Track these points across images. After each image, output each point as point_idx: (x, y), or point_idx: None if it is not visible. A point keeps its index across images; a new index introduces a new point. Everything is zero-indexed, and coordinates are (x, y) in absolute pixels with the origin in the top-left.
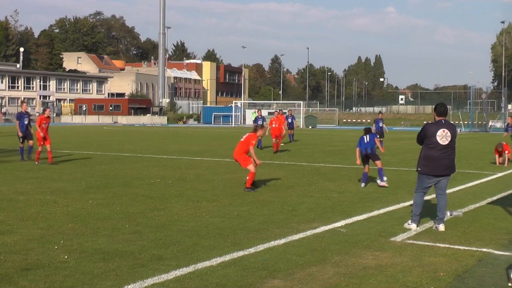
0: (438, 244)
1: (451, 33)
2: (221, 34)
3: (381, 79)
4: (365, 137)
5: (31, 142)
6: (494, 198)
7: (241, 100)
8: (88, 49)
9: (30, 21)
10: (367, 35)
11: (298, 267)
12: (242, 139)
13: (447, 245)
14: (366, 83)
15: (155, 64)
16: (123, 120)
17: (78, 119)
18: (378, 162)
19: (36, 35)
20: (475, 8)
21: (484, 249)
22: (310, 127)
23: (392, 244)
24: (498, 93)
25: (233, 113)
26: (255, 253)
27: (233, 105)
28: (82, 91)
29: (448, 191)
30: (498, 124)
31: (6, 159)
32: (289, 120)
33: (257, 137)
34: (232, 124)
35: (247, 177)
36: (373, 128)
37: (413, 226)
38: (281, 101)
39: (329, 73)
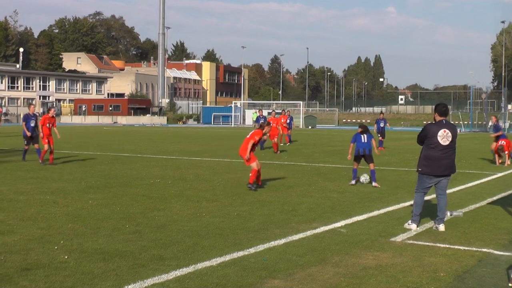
0: (438, 244)
1: (451, 33)
2: (221, 34)
3: (381, 79)
4: (362, 136)
5: (36, 145)
6: (494, 198)
7: (240, 100)
8: (88, 49)
9: (30, 21)
10: (367, 35)
11: (298, 267)
12: (248, 136)
13: (447, 245)
14: (366, 83)
15: (154, 64)
16: (122, 120)
17: (77, 119)
18: (371, 165)
19: (35, 35)
20: (475, 8)
21: (485, 249)
22: (309, 127)
23: (392, 244)
24: (498, 93)
25: (232, 113)
26: (255, 253)
27: (232, 105)
28: (82, 91)
29: (448, 191)
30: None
31: (6, 159)
32: (288, 121)
33: (262, 133)
34: (231, 124)
35: (250, 174)
36: (375, 128)
37: (413, 226)
38: (280, 101)
39: (328, 73)
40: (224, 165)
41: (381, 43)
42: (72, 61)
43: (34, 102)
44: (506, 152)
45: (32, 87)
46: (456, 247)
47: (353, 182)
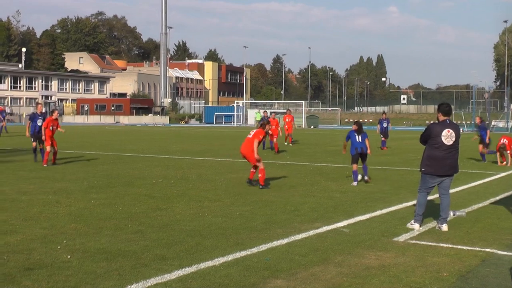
0: (441, 244)
1: (453, 33)
2: (223, 34)
3: (383, 79)
4: (356, 136)
5: (40, 145)
6: (497, 198)
7: (243, 100)
8: (90, 49)
9: (32, 21)
10: (369, 35)
11: (300, 267)
12: (249, 135)
13: (450, 245)
14: (368, 83)
15: (156, 64)
16: (125, 120)
17: (80, 119)
18: (365, 162)
19: (38, 35)
20: (477, 8)
21: (488, 249)
22: (312, 127)
23: (395, 244)
24: (500, 92)
25: (235, 113)
26: (258, 253)
27: (235, 105)
28: (84, 91)
29: (451, 191)
30: (501, 124)
31: (9, 159)
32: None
33: (264, 132)
34: (234, 124)
35: (259, 175)
36: (378, 129)
37: (416, 226)
38: (282, 101)
39: (331, 73)
40: (226, 165)
41: (383, 42)
42: (75, 61)
43: (37, 102)
44: (509, 152)
45: (35, 87)
46: (459, 247)
47: (355, 183)
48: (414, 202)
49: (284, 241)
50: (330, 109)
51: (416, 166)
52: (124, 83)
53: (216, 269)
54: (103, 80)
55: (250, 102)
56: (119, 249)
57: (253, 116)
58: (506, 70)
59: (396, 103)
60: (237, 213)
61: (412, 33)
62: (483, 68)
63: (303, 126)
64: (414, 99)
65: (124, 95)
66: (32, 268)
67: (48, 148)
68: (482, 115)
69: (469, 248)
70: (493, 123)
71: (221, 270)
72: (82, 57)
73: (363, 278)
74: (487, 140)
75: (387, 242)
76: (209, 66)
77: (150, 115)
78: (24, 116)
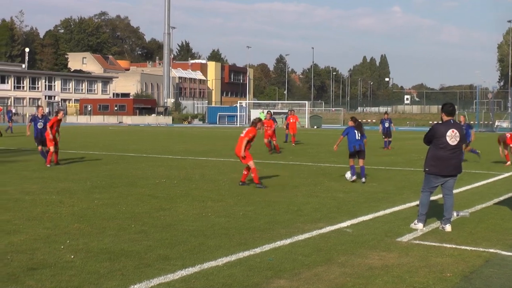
0: (445, 245)
1: (456, 33)
2: (226, 34)
3: (387, 79)
4: (356, 132)
5: (39, 148)
6: (501, 198)
7: (246, 100)
8: (93, 49)
9: (35, 22)
10: (372, 35)
11: (304, 267)
12: (242, 134)
13: (453, 246)
14: (372, 83)
15: (160, 64)
16: (128, 120)
17: (83, 119)
18: (362, 161)
19: (41, 36)
20: (481, 8)
21: (491, 250)
22: (315, 127)
23: (398, 245)
24: (504, 92)
25: (238, 113)
26: (261, 253)
27: (238, 105)
28: (87, 91)
29: (454, 191)
30: (505, 124)
31: (12, 159)
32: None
33: (256, 130)
34: (237, 124)
35: (252, 174)
36: (380, 129)
37: (420, 226)
38: (286, 101)
39: (334, 73)
40: (229, 165)
41: (386, 42)
42: (78, 61)
43: (40, 102)
44: (511, 146)
45: (38, 87)
46: (463, 247)
47: (354, 178)
48: (418, 202)
49: (287, 241)
50: (333, 109)
51: (419, 167)
52: (127, 83)
53: (219, 269)
54: (106, 80)
55: (253, 102)
56: (122, 249)
57: (257, 116)
58: (510, 70)
59: (399, 103)
60: (240, 213)
61: (415, 33)
62: (487, 68)
63: (306, 126)
64: (417, 99)
65: (127, 95)
66: (35, 268)
67: (51, 149)
68: (486, 115)
69: (473, 248)
70: (496, 123)
71: (224, 270)
72: (85, 57)
73: (367, 278)
74: (471, 138)
75: (391, 242)
76: (212, 66)
77: (153, 115)
78: (27, 116)
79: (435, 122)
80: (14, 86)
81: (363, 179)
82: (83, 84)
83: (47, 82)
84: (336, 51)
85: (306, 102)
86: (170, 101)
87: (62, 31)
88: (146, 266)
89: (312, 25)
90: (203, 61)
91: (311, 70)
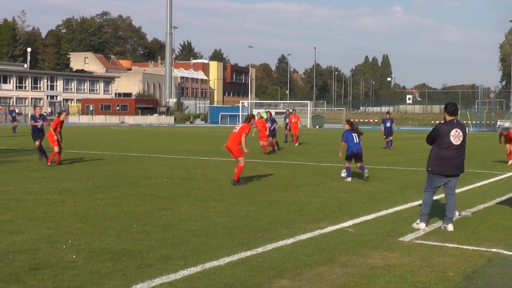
0: (447, 244)
1: (458, 32)
2: (228, 34)
3: (389, 79)
4: (354, 136)
5: (37, 143)
6: (503, 198)
7: (248, 100)
8: (95, 49)
9: (37, 22)
10: (374, 35)
11: (306, 267)
12: (235, 130)
13: (456, 245)
14: (374, 83)
15: (162, 64)
16: (130, 120)
17: (85, 119)
18: (359, 164)
19: (43, 35)
20: (482, 7)
21: (494, 249)
22: (317, 126)
23: (400, 244)
24: (506, 92)
25: (240, 113)
26: (263, 253)
27: (240, 105)
28: (89, 91)
29: (457, 191)
30: (507, 124)
31: (14, 159)
32: (268, 125)
33: (250, 126)
34: (239, 124)
35: (235, 170)
36: (381, 129)
37: (422, 225)
38: (288, 101)
39: (336, 73)
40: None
41: (388, 42)
42: (80, 61)
43: (41, 102)
44: None
45: (40, 87)
46: (465, 247)
47: (349, 179)
48: (420, 202)
49: (290, 241)
50: (335, 109)
51: (421, 166)
52: (129, 83)
53: (221, 269)
54: (108, 80)
55: (255, 102)
56: (124, 249)
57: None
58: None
59: (401, 103)
60: (242, 213)
61: (416, 32)
62: (489, 68)
63: (308, 126)
64: (419, 99)
65: (129, 95)
66: (37, 267)
67: (56, 149)
68: (488, 115)
69: (475, 248)
70: (498, 122)
71: (226, 270)
72: (87, 57)
73: (369, 278)
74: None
75: (393, 242)
76: (214, 66)
77: (155, 115)
78: (29, 115)
79: (438, 122)
80: (16, 86)
81: (366, 174)
82: (85, 84)
83: (49, 82)
84: (338, 51)
85: (308, 102)
86: (172, 101)
87: (64, 31)
88: (148, 266)
89: (312, 25)
90: (205, 61)
91: (313, 70)
